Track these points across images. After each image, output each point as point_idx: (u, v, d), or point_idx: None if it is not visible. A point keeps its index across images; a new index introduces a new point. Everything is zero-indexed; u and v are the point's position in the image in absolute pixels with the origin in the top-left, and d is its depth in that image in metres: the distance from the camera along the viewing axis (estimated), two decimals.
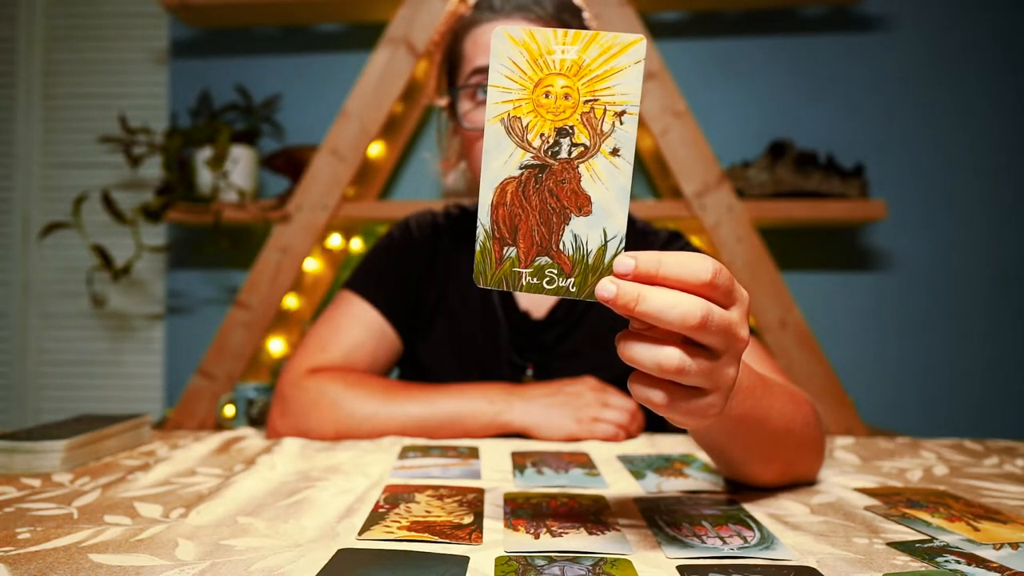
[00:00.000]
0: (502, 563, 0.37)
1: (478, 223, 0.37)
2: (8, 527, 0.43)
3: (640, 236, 0.90)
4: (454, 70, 0.84)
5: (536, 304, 0.88)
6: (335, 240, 1.68)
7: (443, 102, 0.87)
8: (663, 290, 0.34)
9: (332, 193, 1.51)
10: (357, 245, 1.75)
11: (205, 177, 1.56)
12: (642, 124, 1.51)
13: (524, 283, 0.37)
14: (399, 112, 1.62)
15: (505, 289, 0.37)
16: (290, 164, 1.60)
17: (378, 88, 1.51)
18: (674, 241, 0.89)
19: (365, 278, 0.87)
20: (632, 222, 0.92)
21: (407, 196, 1.77)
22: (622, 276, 0.34)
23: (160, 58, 1.86)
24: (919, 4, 1.69)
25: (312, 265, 1.63)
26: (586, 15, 0.83)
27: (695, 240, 1.51)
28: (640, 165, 1.73)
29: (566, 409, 0.74)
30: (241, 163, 1.58)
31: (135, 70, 1.87)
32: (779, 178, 1.51)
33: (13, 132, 1.88)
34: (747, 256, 1.46)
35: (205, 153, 1.56)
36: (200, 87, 1.75)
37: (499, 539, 0.42)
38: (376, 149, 1.64)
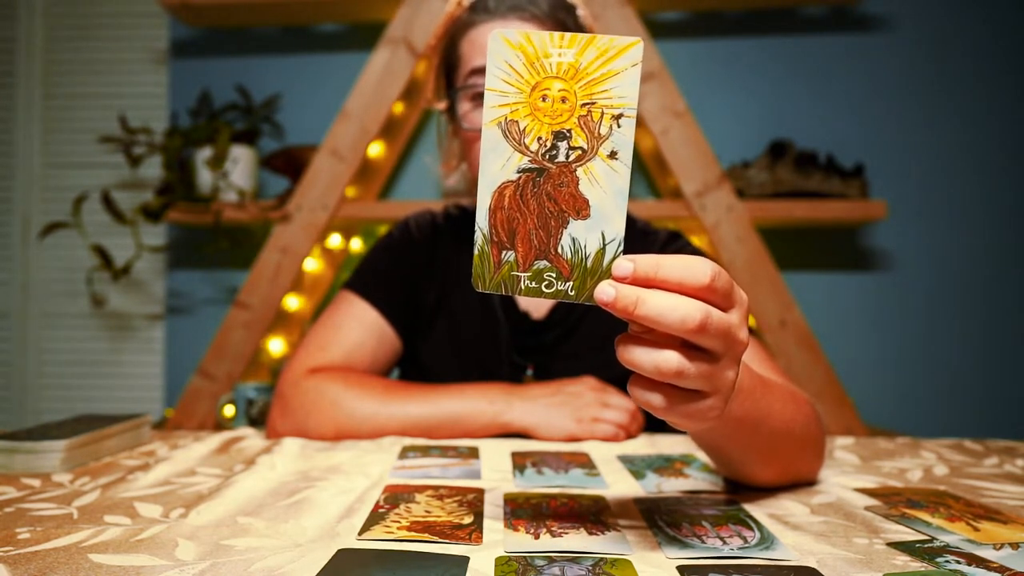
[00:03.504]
0: (502, 563, 0.37)
1: (476, 227, 0.37)
2: (8, 527, 0.43)
3: (640, 236, 0.90)
4: (452, 72, 0.84)
5: (536, 304, 0.88)
6: (335, 240, 1.68)
7: (442, 105, 0.87)
8: (662, 293, 0.34)
9: (332, 193, 1.51)
10: (357, 245, 1.75)
11: (205, 177, 1.56)
12: (642, 124, 1.51)
13: (523, 287, 0.37)
14: (399, 112, 1.62)
15: (504, 293, 0.37)
16: (290, 164, 1.60)
17: (378, 88, 1.51)
18: (673, 241, 0.89)
19: (365, 278, 0.87)
20: (632, 222, 0.91)
21: (407, 196, 1.77)
22: (621, 279, 0.34)
23: (160, 58, 1.86)
24: (919, 4, 1.69)
25: (312, 265, 1.63)
26: (581, 13, 0.83)
27: (695, 240, 1.51)
28: (640, 165, 1.73)
29: (566, 409, 0.74)
30: (241, 163, 1.58)
31: (135, 70, 1.87)
32: (779, 178, 1.51)
33: (13, 132, 1.88)
34: (747, 256, 1.46)
35: (205, 153, 1.56)
36: (200, 87, 1.75)
37: (499, 539, 0.42)
38: (376, 149, 1.64)
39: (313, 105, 1.77)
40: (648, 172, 1.72)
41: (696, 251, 0.88)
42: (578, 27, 0.82)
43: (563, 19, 0.79)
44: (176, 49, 1.83)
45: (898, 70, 1.69)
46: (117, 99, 1.85)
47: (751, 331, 0.77)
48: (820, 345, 1.46)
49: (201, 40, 1.82)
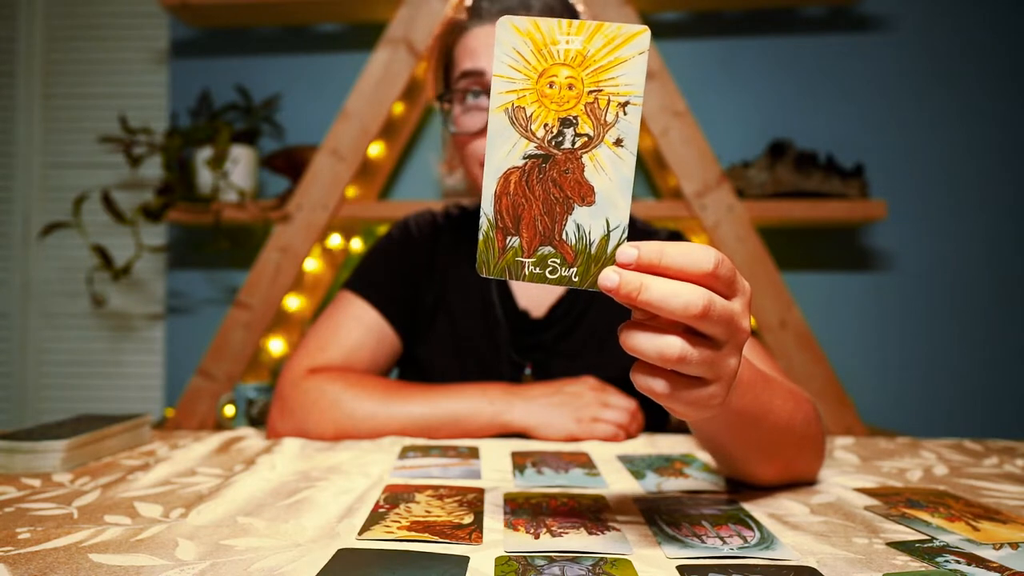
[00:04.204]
0: (502, 563, 0.37)
1: (481, 213, 0.37)
2: (8, 527, 0.43)
3: (640, 235, 0.90)
4: (447, 75, 0.84)
5: (535, 303, 0.88)
6: (335, 240, 1.68)
7: (440, 106, 0.87)
8: (666, 280, 0.34)
9: (332, 193, 1.51)
10: (357, 245, 1.75)
11: (205, 177, 1.56)
12: (642, 124, 1.51)
13: (527, 272, 0.37)
14: (399, 112, 1.62)
15: (508, 278, 0.38)
16: (290, 164, 1.60)
17: (378, 88, 1.51)
18: (674, 240, 0.89)
19: (365, 278, 0.87)
20: (632, 222, 0.91)
21: (407, 196, 1.77)
22: (624, 266, 0.35)
23: (160, 58, 1.86)
24: (919, 4, 1.69)
25: (312, 265, 1.63)
26: (584, 16, 0.83)
27: (696, 240, 1.51)
28: (640, 165, 1.73)
29: (566, 409, 0.74)
30: (241, 163, 1.58)
31: (135, 70, 1.87)
32: (779, 178, 1.51)
33: (13, 132, 1.88)
34: (747, 256, 1.46)
35: (205, 153, 1.56)
36: (200, 87, 1.75)
37: (499, 539, 0.42)
38: (376, 149, 1.64)
39: (313, 105, 1.76)
40: (648, 172, 1.72)
41: None
42: None
43: None
44: (176, 49, 1.83)
45: (898, 70, 1.69)
46: (117, 99, 1.85)
47: (753, 331, 0.77)
48: (820, 345, 1.46)
49: (201, 40, 1.82)
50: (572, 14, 0.82)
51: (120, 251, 1.67)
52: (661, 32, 1.70)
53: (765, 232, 1.57)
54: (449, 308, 0.89)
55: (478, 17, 0.79)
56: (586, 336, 0.86)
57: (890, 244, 1.69)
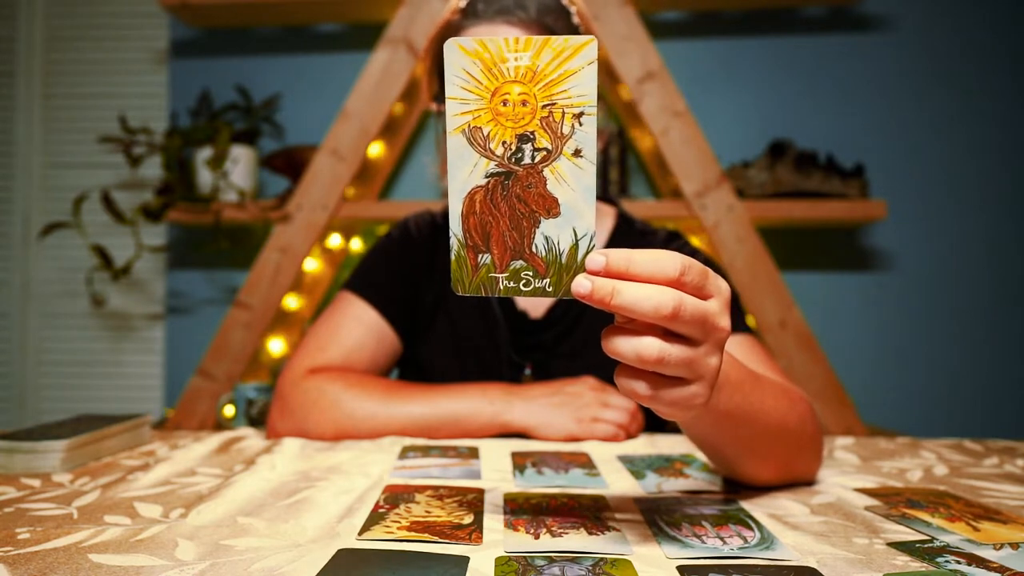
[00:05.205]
0: (502, 563, 0.37)
1: (451, 234, 0.38)
2: (8, 527, 0.43)
3: (638, 236, 0.90)
4: (442, 76, 0.84)
5: (534, 303, 0.88)
6: (335, 240, 1.68)
7: (436, 107, 0.87)
8: (637, 284, 0.35)
9: (332, 193, 1.51)
10: (357, 245, 1.75)
11: (205, 177, 1.56)
12: (642, 124, 1.51)
13: (502, 287, 0.38)
14: (399, 112, 1.62)
15: (484, 295, 0.38)
16: (290, 164, 1.60)
17: (378, 88, 1.51)
18: (673, 241, 0.89)
19: (364, 278, 0.87)
20: (631, 222, 0.91)
21: (407, 196, 1.77)
22: (595, 273, 0.36)
23: (160, 58, 1.86)
24: (919, 4, 1.69)
25: (312, 265, 1.63)
26: (576, 18, 0.82)
27: (695, 240, 1.52)
28: (640, 165, 1.73)
29: (566, 409, 0.74)
30: (241, 163, 1.58)
31: (135, 70, 1.87)
32: (779, 178, 1.51)
33: (13, 132, 1.88)
34: (747, 256, 1.46)
35: (205, 153, 1.56)
36: (200, 87, 1.75)
37: (499, 539, 0.42)
38: (376, 149, 1.64)
39: (313, 105, 1.76)
40: (648, 172, 1.72)
41: (695, 251, 0.88)
42: (570, 29, 0.81)
43: (552, 25, 0.79)
44: (176, 49, 1.83)
45: (898, 70, 1.69)
46: (117, 99, 1.85)
47: (751, 331, 0.77)
48: (820, 345, 1.46)
49: (201, 40, 1.82)
50: (567, 13, 0.81)
51: (120, 251, 1.67)
52: (661, 32, 1.70)
53: (765, 232, 1.57)
54: (449, 308, 0.89)
55: (474, 16, 0.79)
56: (585, 336, 0.86)
57: (890, 244, 1.69)
